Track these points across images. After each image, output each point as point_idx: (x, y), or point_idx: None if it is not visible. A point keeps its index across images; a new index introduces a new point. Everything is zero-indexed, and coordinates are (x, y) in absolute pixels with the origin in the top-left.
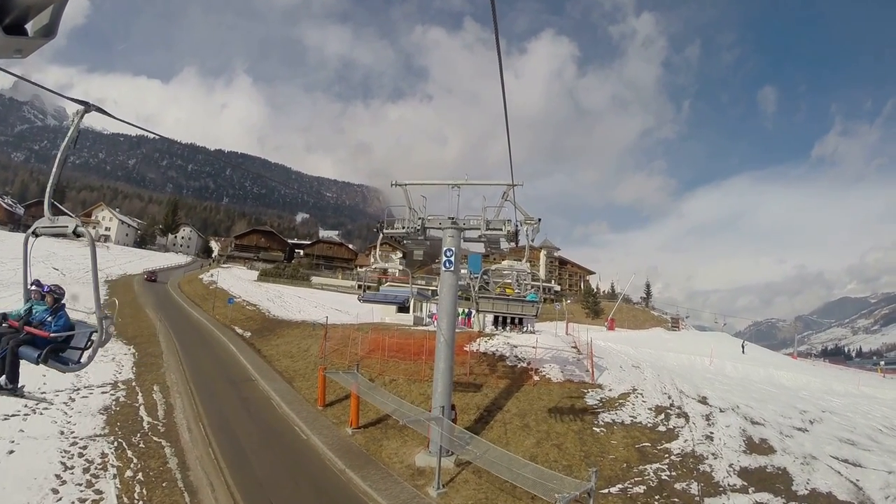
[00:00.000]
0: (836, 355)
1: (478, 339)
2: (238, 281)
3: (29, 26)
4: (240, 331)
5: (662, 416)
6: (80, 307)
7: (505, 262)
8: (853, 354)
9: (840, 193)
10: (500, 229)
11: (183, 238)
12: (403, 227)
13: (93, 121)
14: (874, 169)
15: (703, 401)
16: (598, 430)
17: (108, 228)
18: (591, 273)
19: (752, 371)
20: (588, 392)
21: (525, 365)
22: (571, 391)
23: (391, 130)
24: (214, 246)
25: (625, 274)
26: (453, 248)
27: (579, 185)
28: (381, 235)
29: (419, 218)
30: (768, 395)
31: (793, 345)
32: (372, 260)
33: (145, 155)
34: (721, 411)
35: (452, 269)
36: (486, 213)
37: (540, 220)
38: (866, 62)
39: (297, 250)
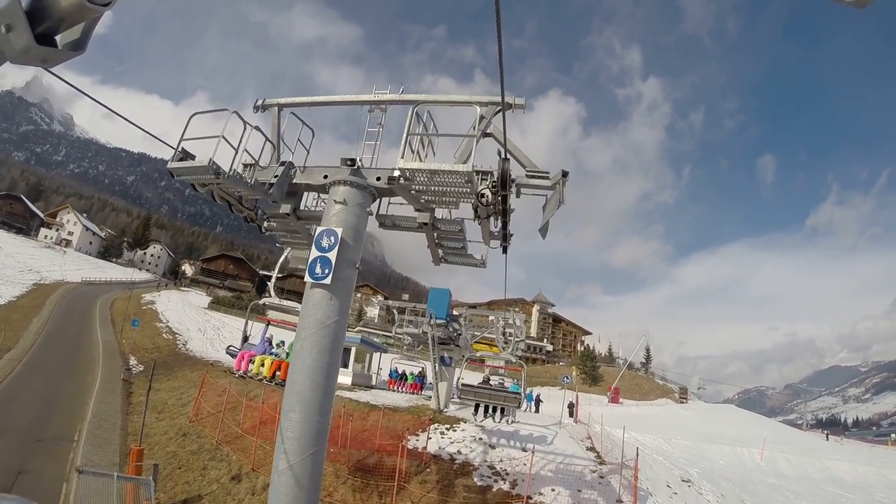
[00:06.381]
0: (832, 425)
1: (429, 427)
2: (184, 306)
3: (59, 38)
4: (133, 362)
5: None
6: None
7: (491, 317)
8: (849, 424)
9: (834, 262)
10: (462, 184)
11: (152, 256)
12: (221, 172)
13: (99, 133)
14: (868, 238)
15: None
16: None
17: (70, 233)
18: (587, 333)
19: (807, 465)
20: None
21: (507, 487)
22: None
23: None
24: (189, 269)
25: (621, 337)
26: (338, 232)
27: (575, 246)
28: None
29: (282, 163)
30: None
31: (782, 413)
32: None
33: (144, 174)
34: None
35: (327, 279)
36: (433, 144)
37: (567, 173)
38: (865, 132)
39: (267, 282)
